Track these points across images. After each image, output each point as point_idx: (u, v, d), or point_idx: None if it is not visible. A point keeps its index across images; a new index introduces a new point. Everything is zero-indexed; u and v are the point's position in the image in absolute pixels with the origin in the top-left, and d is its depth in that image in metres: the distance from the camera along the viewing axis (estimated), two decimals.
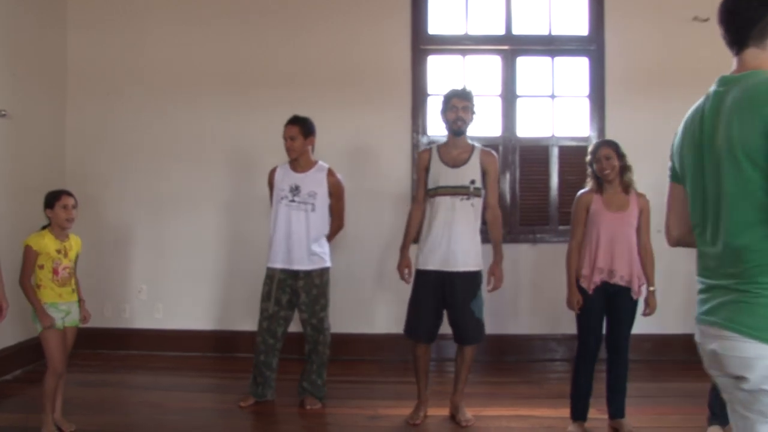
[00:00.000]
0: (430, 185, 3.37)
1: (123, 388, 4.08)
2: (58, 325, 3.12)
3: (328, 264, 3.72)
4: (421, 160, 3.44)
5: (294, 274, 3.63)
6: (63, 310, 3.15)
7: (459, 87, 3.41)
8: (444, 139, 3.51)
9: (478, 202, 3.36)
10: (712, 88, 1.56)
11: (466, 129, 3.40)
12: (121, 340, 4.80)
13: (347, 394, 3.90)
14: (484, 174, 3.37)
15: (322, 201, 3.68)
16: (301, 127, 3.66)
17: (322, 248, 3.70)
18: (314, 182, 3.67)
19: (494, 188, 3.45)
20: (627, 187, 3.16)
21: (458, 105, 3.33)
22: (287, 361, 3.78)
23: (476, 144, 3.48)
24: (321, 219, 3.69)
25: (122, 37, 4.83)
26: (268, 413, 3.62)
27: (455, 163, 3.36)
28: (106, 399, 3.81)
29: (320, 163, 3.75)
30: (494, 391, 3.97)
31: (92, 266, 4.71)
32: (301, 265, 3.62)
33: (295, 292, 3.65)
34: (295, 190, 3.64)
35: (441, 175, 3.33)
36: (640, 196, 3.19)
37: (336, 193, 3.75)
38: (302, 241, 3.62)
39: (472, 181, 3.33)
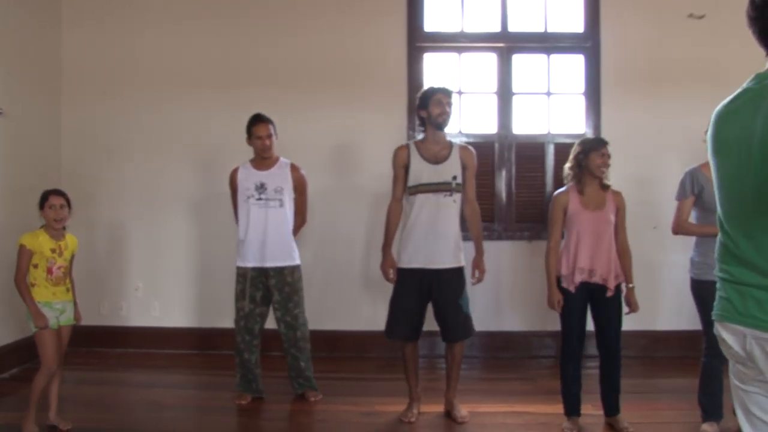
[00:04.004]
0: (412, 182, 3.35)
1: (120, 386, 4.09)
2: (53, 324, 3.13)
3: (298, 261, 3.73)
4: (399, 157, 3.40)
5: (265, 272, 3.65)
6: (57, 309, 3.17)
7: (440, 84, 3.41)
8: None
9: (458, 197, 3.38)
10: (746, 84, 1.53)
11: (449, 123, 3.40)
12: (117, 338, 4.81)
13: (342, 390, 3.91)
14: (463, 169, 3.38)
15: (289, 196, 3.71)
16: (272, 125, 3.70)
17: (293, 245, 3.72)
18: (279, 178, 3.69)
19: (472, 183, 3.48)
20: (606, 186, 3.18)
21: (444, 100, 3.34)
22: (273, 358, 3.78)
23: (453, 140, 3.50)
24: (289, 214, 3.71)
25: (117, 35, 4.83)
26: (264, 410, 3.64)
27: (436, 160, 3.36)
28: (103, 397, 3.82)
29: (282, 159, 3.76)
30: (489, 388, 3.99)
31: (89, 264, 4.71)
32: (274, 262, 3.64)
33: (268, 289, 3.67)
34: (261, 187, 3.65)
35: (423, 172, 3.33)
36: (616, 194, 3.20)
37: (300, 187, 3.77)
38: (273, 238, 3.64)
39: (454, 177, 3.34)
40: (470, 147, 3.52)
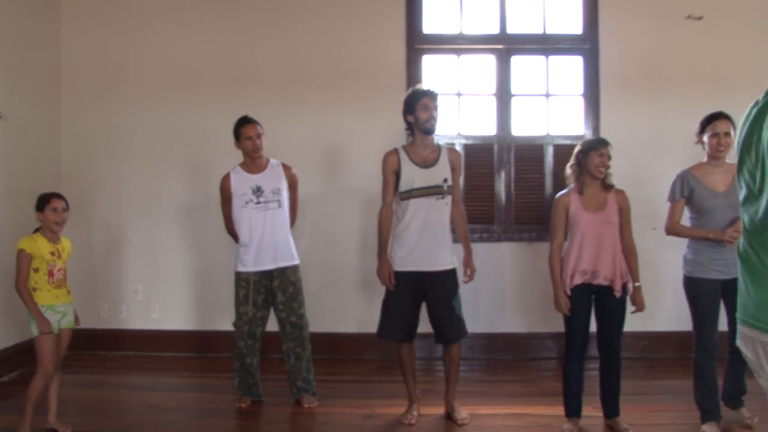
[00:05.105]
0: (404, 187, 3.34)
1: (120, 389, 4.08)
2: (55, 328, 3.13)
3: (298, 260, 3.72)
4: (389, 162, 3.38)
5: (268, 275, 3.63)
6: (60, 312, 3.17)
7: (426, 87, 3.40)
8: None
9: (449, 200, 3.39)
10: (760, 96, 1.55)
11: (436, 128, 3.39)
12: (117, 341, 4.81)
13: (343, 393, 3.91)
14: (452, 171, 3.39)
15: (286, 196, 3.69)
16: (260, 125, 3.68)
17: (293, 244, 3.71)
18: (275, 179, 3.67)
19: (459, 185, 3.50)
20: (609, 187, 3.18)
21: (430, 104, 3.33)
22: (271, 360, 3.78)
23: (440, 142, 3.49)
24: (287, 214, 3.70)
25: (116, 36, 4.84)
26: (264, 413, 3.63)
27: (426, 164, 3.36)
28: (102, 400, 3.82)
29: (272, 159, 3.75)
30: (490, 390, 3.98)
31: (88, 267, 4.73)
32: (277, 263, 3.62)
33: (270, 291, 3.65)
34: (258, 191, 3.63)
35: (415, 176, 3.32)
36: (619, 192, 3.19)
37: (294, 185, 3.77)
38: (276, 240, 3.62)
39: (445, 180, 3.34)
40: (457, 149, 3.52)
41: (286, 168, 3.74)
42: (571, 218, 3.16)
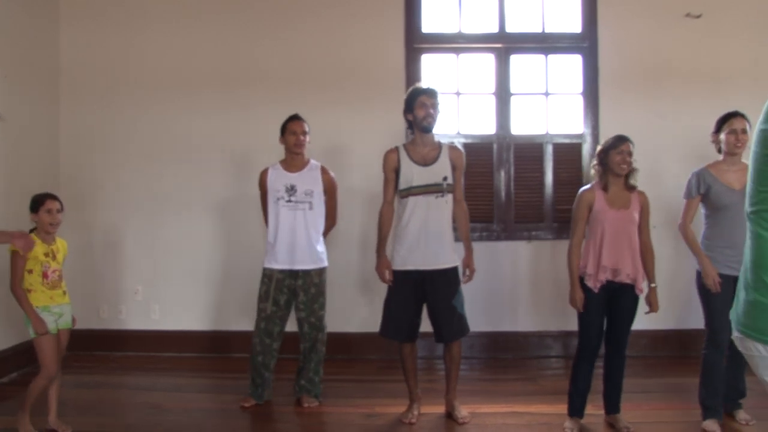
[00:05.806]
0: (403, 185, 3.36)
1: (120, 389, 4.08)
2: (52, 329, 3.12)
3: (326, 263, 3.73)
4: (389, 161, 3.41)
5: (294, 274, 3.64)
6: (56, 313, 3.16)
7: (424, 86, 3.40)
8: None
9: (450, 198, 3.38)
10: None
11: (434, 126, 3.40)
12: (117, 342, 4.81)
13: (344, 392, 3.91)
14: (453, 169, 3.39)
15: (319, 199, 3.70)
16: (307, 124, 3.70)
17: (322, 247, 3.73)
18: (310, 181, 3.69)
19: (461, 183, 3.49)
20: (632, 187, 3.17)
21: (427, 102, 3.34)
22: (280, 360, 3.78)
23: (441, 140, 3.50)
24: (319, 217, 3.71)
25: (116, 36, 4.84)
26: (265, 413, 3.63)
27: (426, 162, 3.36)
28: (102, 400, 3.82)
29: (312, 161, 3.77)
30: (490, 388, 3.99)
31: (88, 268, 4.73)
32: (303, 264, 3.64)
33: (293, 291, 3.66)
34: (291, 189, 3.65)
35: (414, 174, 3.33)
36: (641, 193, 3.20)
37: (330, 190, 3.78)
38: (303, 241, 3.63)
39: (445, 178, 3.34)
40: (459, 147, 3.54)
41: (325, 172, 3.75)
42: (594, 214, 3.15)
